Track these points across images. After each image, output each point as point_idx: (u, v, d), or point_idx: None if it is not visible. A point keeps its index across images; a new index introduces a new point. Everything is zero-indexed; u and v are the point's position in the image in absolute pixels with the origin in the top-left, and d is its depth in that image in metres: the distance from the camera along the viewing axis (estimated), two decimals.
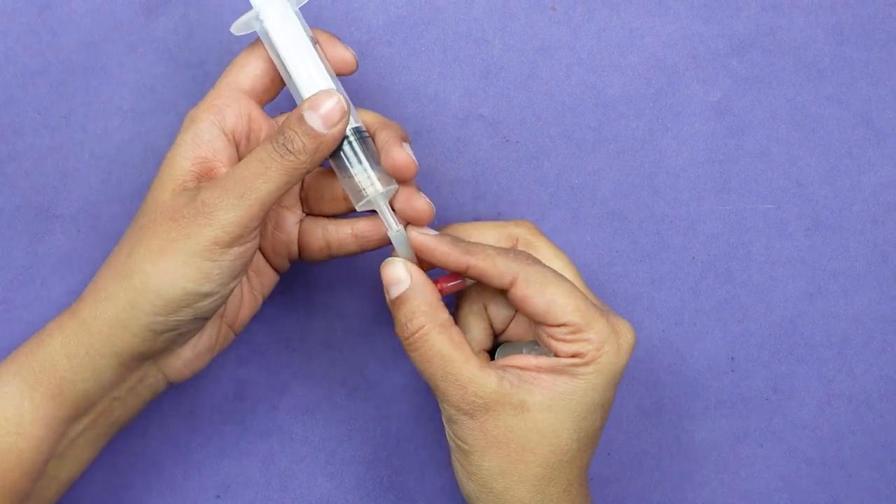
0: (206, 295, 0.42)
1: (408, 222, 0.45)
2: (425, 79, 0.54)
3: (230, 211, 0.41)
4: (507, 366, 0.44)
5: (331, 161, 0.45)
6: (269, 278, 0.49)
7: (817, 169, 0.55)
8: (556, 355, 0.44)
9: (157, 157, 0.53)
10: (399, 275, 0.44)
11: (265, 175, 0.41)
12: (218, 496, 0.54)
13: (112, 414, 0.45)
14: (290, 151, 0.42)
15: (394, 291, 0.44)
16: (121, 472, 0.54)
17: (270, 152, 0.42)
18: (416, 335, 0.44)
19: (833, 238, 0.55)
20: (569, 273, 0.46)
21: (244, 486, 0.54)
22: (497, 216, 0.54)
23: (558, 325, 0.44)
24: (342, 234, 0.47)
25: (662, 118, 0.55)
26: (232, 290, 0.43)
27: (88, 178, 0.53)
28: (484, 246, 0.44)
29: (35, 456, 0.43)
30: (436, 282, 0.45)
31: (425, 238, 0.44)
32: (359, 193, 0.44)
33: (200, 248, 0.41)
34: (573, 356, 0.44)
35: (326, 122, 0.42)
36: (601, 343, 0.43)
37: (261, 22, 0.45)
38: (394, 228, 0.45)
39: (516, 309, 0.46)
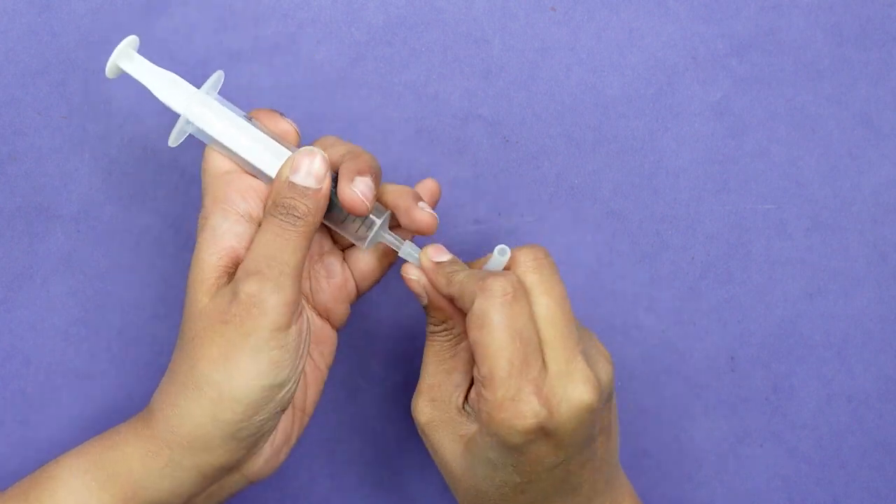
0: (283, 384, 0.42)
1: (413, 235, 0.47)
2: (425, 79, 0.54)
3: (276, 293, 0.41)
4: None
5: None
6: (329, 344, 0.48)
7: (817, 169, 0.55)
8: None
9: (157, 158, 0.54)
10: (416, 290, 0.47)
11: (289, 247, 0.42)
12: None
13: None
14: (299, 217, 0.42)
15: (420, 300, 0.47)
16: None
17: (282, 226, 0.42)
18: (430, 336, 0.47)
19: (833, 238, 0.55)
20: (555, 313, 0.44)
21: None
22: (497, 216, 0.54)
23: (477, 371, 0.44)
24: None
25: (662, 118, 0.55)
26: (302, 370, 0.43)
27: (89, 179, 0.53)
28: (466, 274, 0.45)
29: None
30: None
31: (416, 272, 0.46)
32: (358, 236, 0.46)
33: (264, 340, 0.41)
34: (479, 409, 0.44)
35: (317, 178, 0.43)
36: (494, 411, 0.42)
37: (192, 125, 0.45)
38: (403, 249, 0.46)
39: None
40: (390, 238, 0.46)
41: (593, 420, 0.43)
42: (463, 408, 0.45)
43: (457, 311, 0.46)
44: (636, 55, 0.55)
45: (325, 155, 0.44)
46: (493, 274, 0.44)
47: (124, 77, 0.53)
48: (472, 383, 0.46)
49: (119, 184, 0.53)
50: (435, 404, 0.46)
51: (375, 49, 0.54)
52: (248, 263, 0.42)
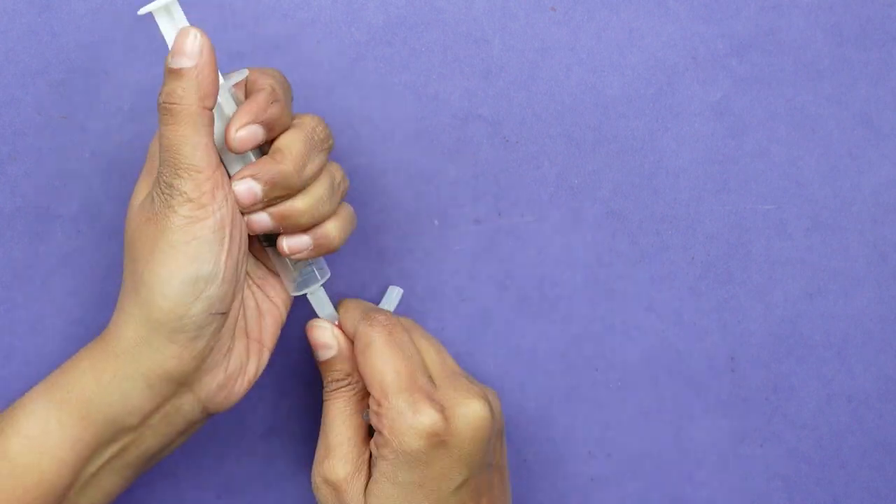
0: (207, 279, 0.42)
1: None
2: (425, 79, 0.54)
3: (184, 187, 0.42)
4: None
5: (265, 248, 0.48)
6: (282, 289, 0.49)
7: (817, 169, 0.55)
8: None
9: None
10: (327, 340, 0.49)
11: (178, 137, 0.42)
12: (218, 496, 0.54)
13: (143, 443, 0.44)
14: (178, 104, 0.42)
15: (321, 355, 0.49)
16: None
17: (165, 120, 0.43)
18: (333, 394, 0.48)
19: (833, 238, 0.55)
20: (437, 346, 0.49)
21: (245, 486, 0.54)
22: (497, 216, 0.54)
23: (369, 394, 0.46)
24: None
25: (662, 118, 0.55)
26: (238, 278, 0.44)
27: (89, 178, 0.53)
28: (358, 302, 0.50)
29: (56, 479, 0.42)
30: None
31: (327, 323, 0.49)
32: (292, 279, 0.48)
33: (177, 233, 0.41)
34: (380, 432, 0.45)
35: (190, 55, 0.43)
36: (392, 421, 0.44)
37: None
38: (325, 311, 0.49)
39: None
40: (324, 299, 0.49)
41: (488, 437, 0.45)
42: (368, 463, 0.47)
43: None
44: (636, 55, 0.55)
45: (203, 33, 0.44)
46: (377, 309, 0.48)
47: (123, 77, 0.53)
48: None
49: (119, 184, 0.53)
50: (345, 461, 0.46)
51: (375, 49, 0.54)
52: (158, 167, 0.43)
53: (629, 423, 0.56)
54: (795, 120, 0.55)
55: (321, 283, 0.48)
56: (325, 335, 0.48)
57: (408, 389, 0.45)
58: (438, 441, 0.44)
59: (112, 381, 0.43)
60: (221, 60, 0.52)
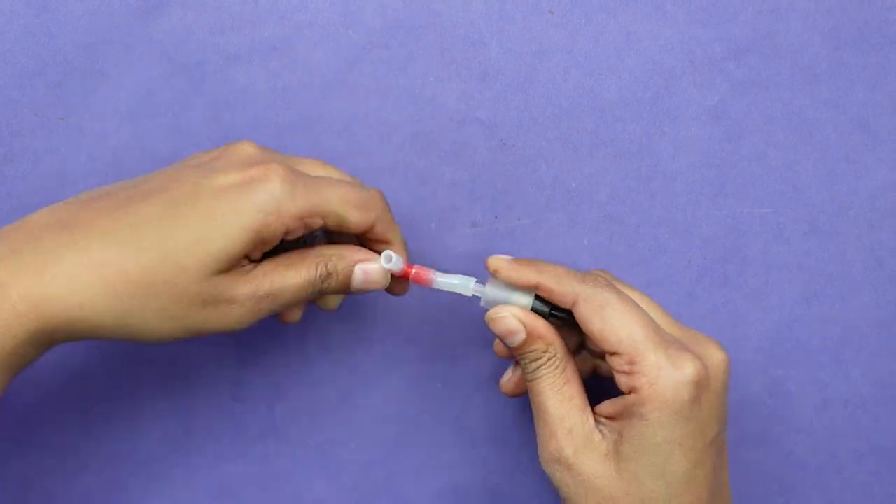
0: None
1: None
2: (422, 82, 0.54)
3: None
4: (600, 416, 0.44)
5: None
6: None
7: (814, 173, 0.55)
8: (621, 391, 0.44)
9: (154, 159, 0.53)
10: (511, 326, 0.45)
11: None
12: (215, 497, 0.54)
13: None
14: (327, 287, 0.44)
15: (513, 341, 0.46)
16: (118, 473, 0.53)
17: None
18: (536, 372, 0.46)
19: (830, 242, 0.55)
20: (644, 303, 0.46)
21: (241, 487, 0.54)
22: (494, 219, 0.54)
23: (613, 354, 0.43)
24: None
25: (659, 122, 0.54)
26: None
27: (86, 180, 0.53)
28: (554, 266, 0.45)
29: None
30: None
31: (500, 262, 0.46)
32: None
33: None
34: (631, 392, 0.43)
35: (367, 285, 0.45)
36: (654, 377, 0.42)
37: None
38: (471, 288, 0.47)
39: (585, 333, 0.45)
40: (456, 282, 0.47)
41: (727, 387, 0.44)
42: (596, 428, 0.44)
43: (555, 332, 0.45)
44: (633, 59, 0.54)
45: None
46: (577, 272, 0.45)
47: (121, 79, 0.53)
48: (593, 411, 0.45)
49: None
50: (572, 435, 0.44)
51: (372, 52, 0.53)
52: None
53: None
54: (792, 124, 0.54)
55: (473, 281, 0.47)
56: (511, 322, 0.46)
57: (660, 343, 0.43)
58: (702, 392, 0.43)
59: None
60: (218, 62, 0.53)
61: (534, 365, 0.46)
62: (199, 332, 0.42)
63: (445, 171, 0.54)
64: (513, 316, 0.45)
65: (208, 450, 0.54)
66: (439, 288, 0.46)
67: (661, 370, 0.42)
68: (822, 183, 0.55)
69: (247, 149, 0.44)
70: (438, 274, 0.46)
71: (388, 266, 0.44)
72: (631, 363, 0.43)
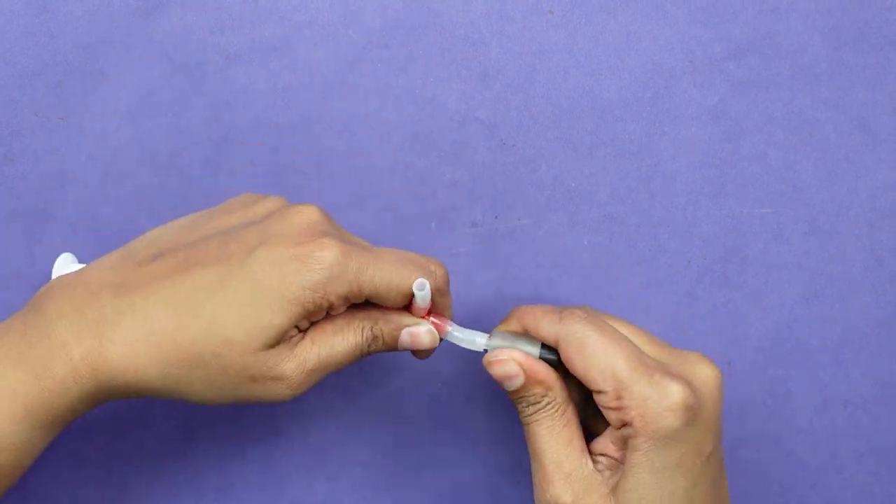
0: None
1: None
2: (422, 82, 0.54)
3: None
4: (598, 454, 0.44)
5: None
6: None
7: (814, 173, 0.55)
8: (612, 426, 0.43)
9: (154, 159, 0.54)
10: (510, 370, 0.45)
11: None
12: (218, 498, 0.54)
13: None
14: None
15: (511, 385, 0.45)
16: (121, 474, 0.53)
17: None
18: (533, 416, 0.45)
19: (830, 242, 0.55)
20: (627, 331, 0.45)
21: (243, 488, 0.54)
22: (494, 219, 0.54)
23: (599, 392, 0.43)
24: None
25: (659, 122, 0.54)
26: None
27: (86, 180, 0.53)
28: (533, 308, 0.46)
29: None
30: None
31: (505, 352, 0.46)
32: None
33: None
34: (623, 426, 0.43)
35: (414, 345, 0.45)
36: (642, 409, 0.42)
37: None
38: (479, 343, 0.46)
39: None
40: (465, 336, 0.46)
41: (723, 396, 0.44)
42: (595, 469, 0.44)
43: (556, 376, 0.45)
44: (633, 59, 0.54)
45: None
46: (556, 308, 0.45)
47: (120, 79, 0.53)
48: (590, 450, 0.45)
49: (116, 186, 0.53)
50: (571, 480, 0.44)
51: (373, 52, 0.53)
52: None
53: None
54: (792, 124, 0.55)
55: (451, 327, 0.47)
56: (509, 366, 0.45)
57: (644, 373, 0.43)
58: (693, 414, 0.42)
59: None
60: (218, 62, 0.53)
61: (532, 409, 0.45)
62: (249, 401, 0.42)
63: (445, 171, 0.54)
64: (512, 359, 0.45)
65: (212, 451, 0.54)
66: (451, 341, 0.46)
67: (647, 400, 0.42)
68: (822, 183, 0.55)
69: (309, 215, 0.43)
70: (454, 327, 0.46)
71: (420, 292, 0.44)
72: (618, 398, 0.43)
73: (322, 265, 0.41)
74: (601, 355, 0.43)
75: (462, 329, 0.46)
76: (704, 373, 0.44)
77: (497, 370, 0.45)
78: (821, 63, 0.55)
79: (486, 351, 0.46)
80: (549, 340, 0.45)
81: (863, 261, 0.55)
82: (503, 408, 0.54)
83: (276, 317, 0.41)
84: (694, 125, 0.54)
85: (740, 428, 0.55)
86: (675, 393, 0.42)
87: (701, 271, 0.55)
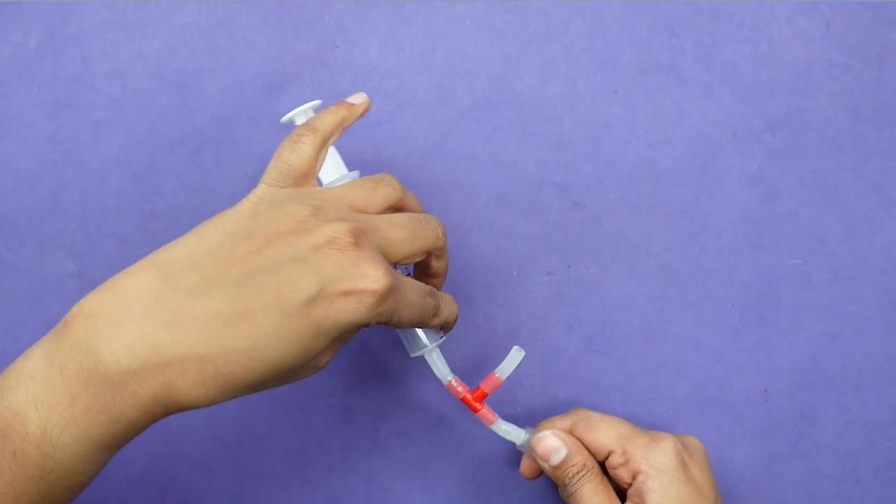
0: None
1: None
2: (506, 150, 0.56)
3: None
4: None
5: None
6: None
7: (837, 229, 0.56)
8: (625, 486, 0.48)
9: None
10: (554, 444, 0.49)
11: None
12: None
13: None
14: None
15: (556, 458, 0.49)
16: (244, 484, 0.56)
17: None
18: (575, 484, 0.49)
19: (850, 288, 0.57)
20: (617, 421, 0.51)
21: (350, 498, 0.56)
22: (566, 268, 0.56)
23: (608, 455, 0.48)
24: None
25: (707, 185, 0.56)
26: None
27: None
28: (551, 419, 0.52)
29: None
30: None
31: (548, 432, 0.51)
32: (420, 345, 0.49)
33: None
34: (634, 477, 0.47)
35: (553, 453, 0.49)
36: (646, 454, 0.47)
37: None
38: (522, 438, 0.51)
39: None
40: (508, 430, 0.50)
41: (708, 461, 0.49)
42: None
43: (588, 454, 0.49)
44: (685, 131, 0.56)
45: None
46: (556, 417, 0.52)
47: (248, 147, 0.55)
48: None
49: None
50: None
51: (463, 125, 0.56)
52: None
53: None
54: (819, 187, 0.57)
55: (438, 343, 0.49)
56: (552, 441, 0.49)
57: (641, 432, 0.48)
58: (686, 459, 0.47)
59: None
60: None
61: (577, 476, 0.48)
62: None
63: (525, 227, 0.56)
64: (554, 435, 0.49)
65: (321, 464, 0.56)
66: (495, 432, 0.50)
67: (648, 447, 0.47)
68: (844, 237, 0.57)
69: (348, 242, 0.41)
70: (501, 421, 0.50)
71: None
72: (624, 453, 0.48)
73: (374, 300, 0.40)
74: (605, 425, 0.50)
75: (505, 424, 0.51)
76: (689, 438, 0.49)
77: (542, 446, 0.49)
78: (844, 135, 0.57)
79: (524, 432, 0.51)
80: (564, 429, 0.50)
81: (878, 303, 0.56)
82: None
83: (333, 346, 0.41)
84: (736, 188, 0.56)
85: (775, 446, 0.56)
86: (667, 441, 0.48)
87: (741, 312, 0.56)
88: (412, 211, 0.46)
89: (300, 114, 0.48)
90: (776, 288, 0.57)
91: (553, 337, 0.57)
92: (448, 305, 0.47)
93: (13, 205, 0.56)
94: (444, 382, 0.49)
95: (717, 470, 0.56)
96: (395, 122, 0.57)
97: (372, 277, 0.40)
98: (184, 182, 0.56)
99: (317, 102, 0.49)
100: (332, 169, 0.48)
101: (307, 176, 0.44)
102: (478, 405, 0.49)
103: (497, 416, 0.50)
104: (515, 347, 0.50)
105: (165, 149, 0.56)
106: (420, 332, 0.49)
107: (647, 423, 0.57)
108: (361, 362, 0.57)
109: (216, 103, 0.56)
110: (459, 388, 0.49)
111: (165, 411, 0.40)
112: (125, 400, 0.39)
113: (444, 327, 0.47)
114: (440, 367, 0.49)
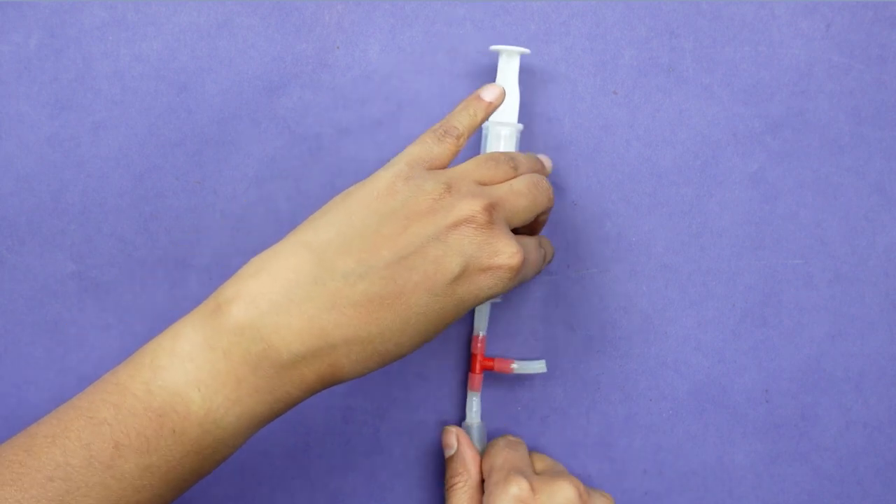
0: None
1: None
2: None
3: None
4: None
5: None
6: None
7: (838, 230, 0.57)
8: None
9: (276, 217, 0.55)
10: (449, 441, 0.54)
11: None
12: None
13: None
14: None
15: (445, 453, 0.54)
16: (245, 484, 0.56)
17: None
18: (450, 488, 0.53)
19: (852, 289, 0.57)
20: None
21: (351, 496, 0.56)
22: (567, 268, 0.56)
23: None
24: None
25: (707, 186, 0.56)
26: None
27: (219, 234, 0.55)
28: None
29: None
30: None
31: (454, 428, 0.55)
32: None
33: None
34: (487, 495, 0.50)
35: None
36: (490, 493, 0.49)
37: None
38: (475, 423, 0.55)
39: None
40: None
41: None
42: None
43: (478, 469, 0.53)
44: (685, 132, 0.56)
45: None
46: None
47: (248, 148, 0.54)
48: None
49: (245, 238, 0.55)
50: None
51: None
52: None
53: (678, 445, 0.56)
54: (820, 188, 0.57)
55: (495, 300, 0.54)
56: (450, 438, 0.54)
57: (509, 470, 0.50)
58: (527, 492, 0.48)
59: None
60: (332, 135, 0.55)
61: (450, 482, 0.53)
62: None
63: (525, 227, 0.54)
64: (453, 433, 0.54)
65: (322, 464, 0.56)
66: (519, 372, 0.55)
67: (496, 485, 0.49)
68: (845, 238, 0.57)
69: (483, 218, 0.43)
70: (474, 399, 0.55)
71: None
72: (486, 482, 0.51)
73: (511, 274, 0.43)
74: (492, 453, 0.52)
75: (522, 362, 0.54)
76: (558, 487, 0.48)
77: (443, 437, 0.54)
78: (844, 136, 0.57)
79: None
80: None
81: (879, 304, 0.57)
82: (570, 430, 0.56)
83: (462, 316, 0.46)
84: (737, 189, 0.56)
85: (775, 446, 0.56)
86: (513, 485, 0.48)
87: (743, 313, 0.57)
88: (529, 171, 0.49)
89: (513, 53, 0.53)
90: (777, 288, 0.57)
91: (553, 337, 0.57)
92: (549, 247, 0.51)
93: (13, 205, 0.56)
94: (475, 333, 0.55)
95: (717, 470, 0.56)
96: (396, 122, 0.57)
97: (508, 253, 0.43)
98: (184, 182, 0.56)
99: (525, 50, 0.53)
100: (508, 111, 0.54)
101: (442, 167, 0.46)
102: (476, 368, 0.55)
103: (476, 392, 0.55)
104: (543, 361, 0.55)
105: (165, 149, 0.56)
106: None
107: (647, 423, 0.57)
108: None
109: (216, 104, 0.56)
110: (479, 345, 0.55)
111: (324, 386, 0.42)
112: (293, 381, 0.41)
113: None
114: (480, 319, 0.55)
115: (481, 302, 0.44)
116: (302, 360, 0.41)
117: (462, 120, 0.47)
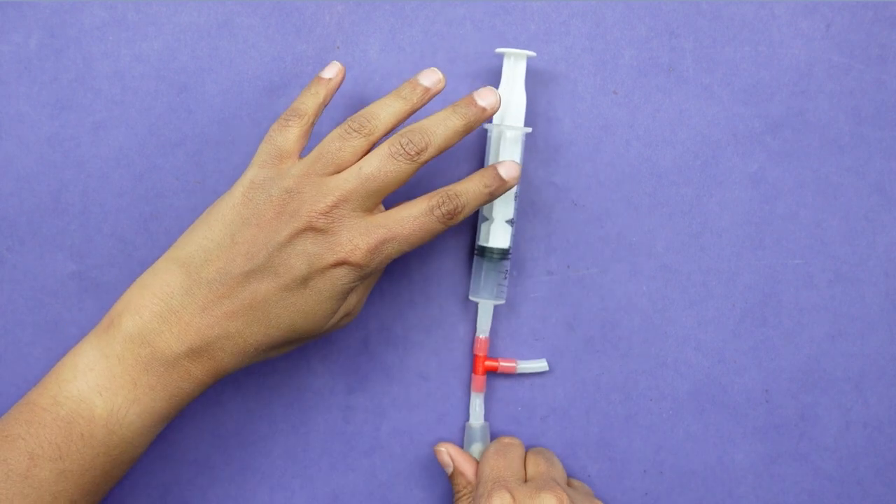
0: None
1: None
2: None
3: None
4: None
5: None
6: None
7: (838, 230, 0.57)
8: None
9: None
10: (444, 461, 0.55)
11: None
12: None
13: None
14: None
15: (446, 471, 0.55)
16: (245, 484, 0.56)
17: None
18: (455, 501, 0.53)
19: (852, 289, 0.57)
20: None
21: (351, 495, 0.57)
22: (566, 268, 0.56)
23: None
24: None
25: (707, 186, 0.57)
26: None
27: None
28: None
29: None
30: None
31: (444, 447, 0.55)
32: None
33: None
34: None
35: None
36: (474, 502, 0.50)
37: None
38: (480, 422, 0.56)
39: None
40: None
41: None
42: None
43: (476, 477, 0.53)
44: (685, 132, 0.56)
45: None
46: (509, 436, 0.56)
47: (248, 148, 0.55)
48: None
49: None
50: None
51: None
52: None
53: (679, 445, 0.57)
54: (820, 188, 0.57)
55: (495, 302, 0.55)
56: (444, 457, 0.55)
57: (495, 481, 0.50)
58: None
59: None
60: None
61: (456, 495, 0.53)
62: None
63: (525, 227, 0.56)
64: (444, 453, 0.54)
65: (324, 464, 0.57)
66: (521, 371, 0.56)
67: (479, 497, 0.49)
68: (845, 238, 0.57)
69: (329, 217, 0.46)
70: (477, 399, 0.56)
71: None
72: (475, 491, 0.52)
73: (359, 262, 0.46)
74: (483, 461, 0.52)
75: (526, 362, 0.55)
76: (540, 499, 0.48)
77: (438, 458, 0.55)
78: (844, 136, 0.57)
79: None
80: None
81: (880, 304, 0.57)
82: (572, 430, 0.56)
83: (335, 304, 0.47)
84: (736, 189, 0.57)
85: (775, 446, 0.57)
86: (495, 499, 0.48)
87: (743, 313, 0.57)
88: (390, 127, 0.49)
89: (520, 56, 0.54)
90: (777, 288, 0.57)
91: (553, 337, 0.57)
92: (469, 191, 0.48)
93: (13, 205, 0.57)
94: (477, 335, 0.55)
95: (717, 470, 0.56)
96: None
97: (348, 249, 0.46)
98: (184, 182, 0.57)
99: (531, 53, 0.53)
100: (515, 114, 0.54)
101: (292, 154, 0.49)
102: (479, 370, 0.55)
103: (480, 393, 0.55)
104: (545, 360, 0.56)
105: (165, 149, 0.56)
106: (482, 283, 0.54)
107: (647, 423, 0.58)
108: (361, 362, 0.57)
109: (216, 104, 0.56)
110: (481, 347, 0.55)
111: (213, 379, 0.48)
112: (181, 377, 0.46)
113: (493, 196, 0.49)
114: (483, 320, 0.55)
115: (349, 287, 0.47)
116: (185, 357, 0.46)
117: (305, 101, 0.50)
